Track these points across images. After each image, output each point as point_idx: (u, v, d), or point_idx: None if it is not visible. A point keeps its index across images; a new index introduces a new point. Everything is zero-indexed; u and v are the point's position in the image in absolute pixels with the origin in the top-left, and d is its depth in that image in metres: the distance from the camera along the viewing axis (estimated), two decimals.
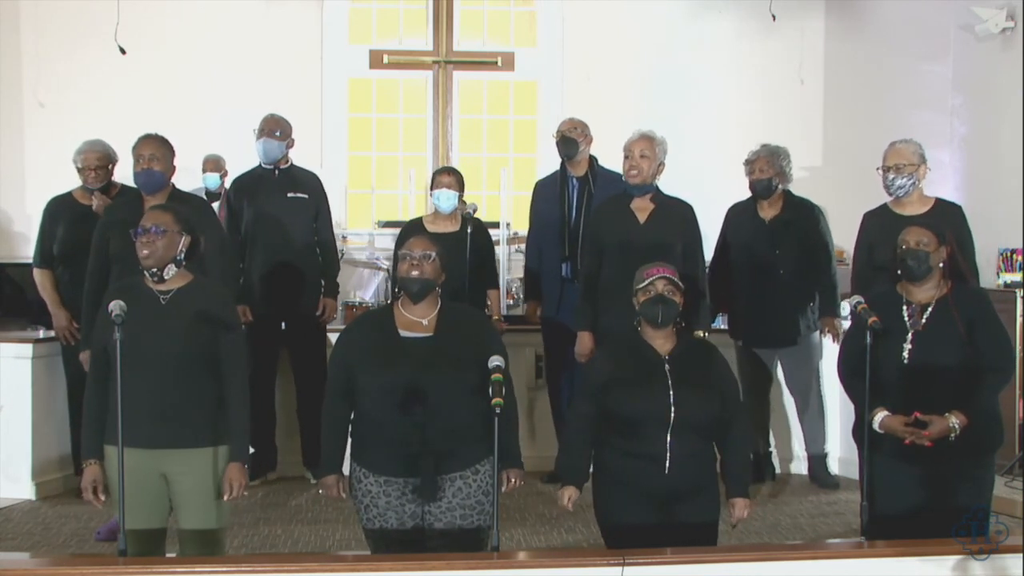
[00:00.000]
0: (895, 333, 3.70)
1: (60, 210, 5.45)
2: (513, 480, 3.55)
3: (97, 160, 5.35)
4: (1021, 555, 3.14)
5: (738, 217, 5.89)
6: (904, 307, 3.76)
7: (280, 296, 5.76)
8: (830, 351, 5.66)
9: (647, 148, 5.02)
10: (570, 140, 5.79)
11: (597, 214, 5.36)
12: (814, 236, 5.77)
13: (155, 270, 3.49)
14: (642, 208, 5.07)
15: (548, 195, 5.94)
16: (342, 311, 7.07)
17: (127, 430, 3.28)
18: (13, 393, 5.53)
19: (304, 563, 3.14)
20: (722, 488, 3.63)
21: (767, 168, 5.73)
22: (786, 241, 5.71)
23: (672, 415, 3.46)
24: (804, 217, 5.78)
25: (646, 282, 3.59)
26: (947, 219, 4.75)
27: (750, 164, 5.79)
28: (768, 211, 5.79)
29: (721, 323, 6.24)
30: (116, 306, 3.25)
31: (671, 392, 3.48)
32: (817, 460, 5.97)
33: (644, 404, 3.49)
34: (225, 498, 3.48)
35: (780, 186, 5.78)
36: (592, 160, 5.87)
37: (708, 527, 3.59)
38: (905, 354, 3.68)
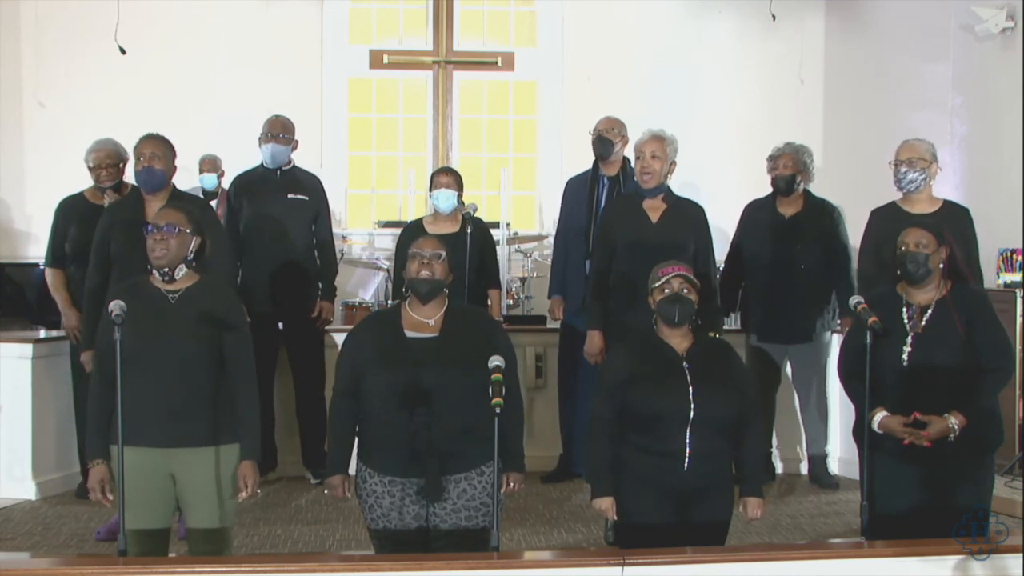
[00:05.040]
0: (895, 334, 3.69)
1: (72, 210, 5.46)
2: (512, 484, 3.53)
3: (108, 159, 5.35)
4: (1021, 555, 3.14)
5: (756, 213, 5.87)
6: (904, 308, 3.75)
7: (277, 296, 5.75)
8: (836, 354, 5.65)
9: (658, 149, 4.97)
10: (606, 140, 5.73)
11: (608, 213, 5.33)
12: (834, 236, 5.75)
13: (166, 270, 3.48)
14: (654, 208, 5.02)
15: (577, 193, 5.88)
16: (342, 311, 7.08)
17: (136, 429, 3.28)
18: (13, 393, 5.53)
19: (304, 563, 3.13)
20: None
21: (791, 164, 5.72)
22: (806, 238, 5.70)
23: (692, 413, 3.45)
24: (824, 216, 5.77)
25: (662, 280, 3.57)
26: (954, 221, 4.75)
27: (773, 160, 5.79)
28: (788, 208, 5.78)
29: (732, 322, 6.22)
30: (116, 306, 3.25)
31: (691, 389, 3.47)
32: (817, 460, 5.96)
33: (664, 401, 3.47)
34: (240, 497, 3.48)
35: (803, 184, 5.78)
36: (625, 161, 5.77)
37: (720, 526, 3.59)
38: (904, 356, 3.68)
